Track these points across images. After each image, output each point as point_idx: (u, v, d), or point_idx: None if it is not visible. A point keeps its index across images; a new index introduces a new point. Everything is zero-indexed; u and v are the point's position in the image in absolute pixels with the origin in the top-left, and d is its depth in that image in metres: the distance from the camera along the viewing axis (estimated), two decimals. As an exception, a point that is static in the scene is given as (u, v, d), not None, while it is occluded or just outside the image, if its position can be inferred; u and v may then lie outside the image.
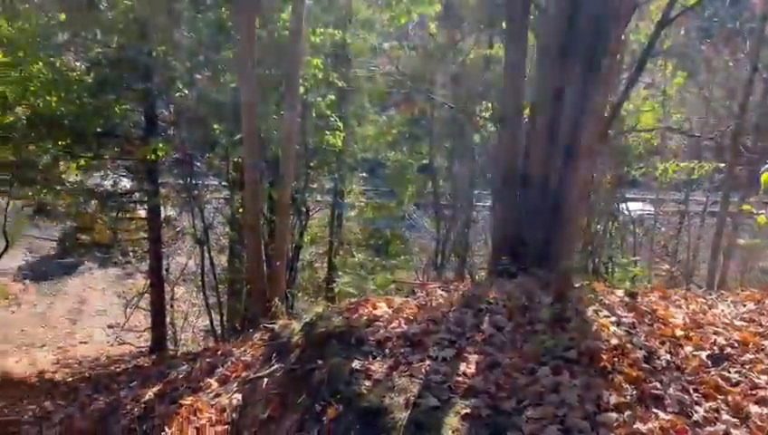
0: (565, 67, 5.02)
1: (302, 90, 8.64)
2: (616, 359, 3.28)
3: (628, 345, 3.40)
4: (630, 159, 12.64)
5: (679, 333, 3.69)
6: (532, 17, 5.56)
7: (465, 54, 10.62)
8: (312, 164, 10.37)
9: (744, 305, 4.31)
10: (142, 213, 12.25)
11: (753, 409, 2.96)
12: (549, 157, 5.21)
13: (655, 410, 2.89)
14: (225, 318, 10.97)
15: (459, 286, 4.62)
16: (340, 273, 10.40)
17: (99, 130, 10.81)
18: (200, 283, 11.48)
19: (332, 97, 9.54)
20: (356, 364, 3.41)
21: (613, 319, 3.81)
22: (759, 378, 3.27)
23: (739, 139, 9.74)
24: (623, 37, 3.87)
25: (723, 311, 4.19)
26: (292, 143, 6.43)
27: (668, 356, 3.40)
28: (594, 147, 3.65)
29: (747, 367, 3.36)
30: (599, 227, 12.23)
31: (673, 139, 14.10)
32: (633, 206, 16.05)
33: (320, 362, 3.62)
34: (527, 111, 5.51)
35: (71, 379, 10.17)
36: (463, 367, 3.29)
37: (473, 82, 10.47)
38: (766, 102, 10.59)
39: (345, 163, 11.18)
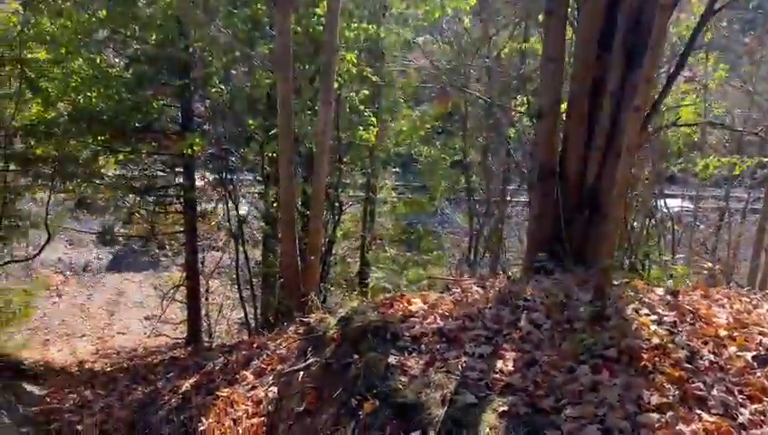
0: (604, 61, 4.94)
1: (336, 85, 8.67)
2: (657, 358, 3.21)
3: (670, 345, 3.32)
4: (669, 155, 12.37)
5: (723, 332, 3.60)
6: (570, 9, 5.47)
7: (500, 48, 10.51)
8: (345, 159, 10.40)
9: (790, 307, 4.17)
10: (178, 207, 12.47)
11: (802, 412, 2.87)
12: (587, 152, 5.13)
13: (698, 412, 2.82)
14: (258, 312, 11.10)
15: (495, 283, 4.59)
16: (372, 268, 10.41)
17: (137, 125, 11.05)
18: (234, 276, 11.64)
19: (366, 92, 9.54)
20: (392, 359, 3.41)
21: (654, 317, 3.73)
22: (807, 381, 3.17)
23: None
24: (666, 30, 3.76)
25: (767, 310, 4.06)
26: (327, 138, 6.45)
27: (712, 356, 3.31)
28: (635, 144, 3.58)
29: (795, 369, 3.27)
30: (636, 223, 11.99)
31: (713, 134, 13.75)
32: (672, 202, 15.70)
33: (355, 356, 3.63)
34: (565, 106, 5.43)
35: (109, 369, 10.43)
36: (500, 364, 3.26)
37: (507, 76, 10.35)
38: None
39: (378, 158, 11.17)
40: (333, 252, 10.72)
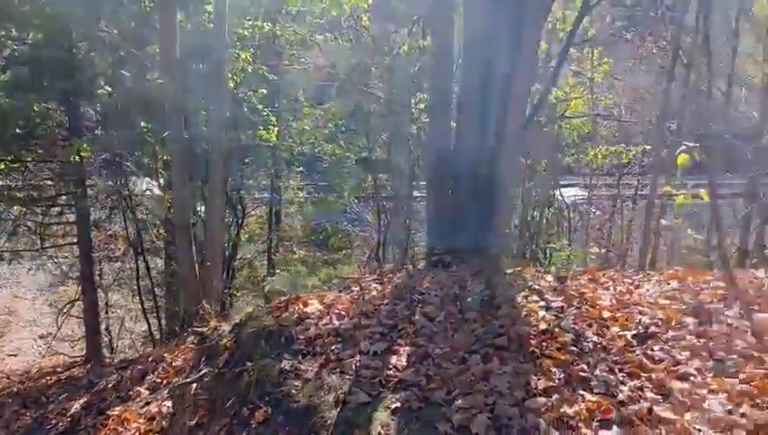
0: (491, 53, 5.04)
1: (231, 84, 8.42)
2: (545, 343, 3.31)
3: (557, 329, 3.43)
4: (564, 146, 12.96)
5: (606, 314, 3.76)
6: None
7: (400, 45, 10.59)
8: (246, 160, 10.13)
9: (669, 284, 4.42)
10: (71, 217, 11.71)
11: (676, 385, 3.03)
12: (479, 143, 5.23)
13: (582, 392, 2.92)
14: (163, 323, 10.63)
15: (393, 278, 4.58)
16: (278, 270, 10.23)
17: (18, 131, 10.26)
18: (135, 287, 11.08)
19: (264, 91, 9.33)
20: (285, 364, 3.32)
21: (542, 304, 3.84)
22: (681, 354, 3.36)
23: (663, 123, 10.09)
24: (546, 23, 3.88)
25: (648, 290, 4.29)
26: (222, 139, 6.24)
27: (595, 338, 3.45)
28: (520, 132, 3.66)
29: (670, 344, 3.45)
30: (535, 213, 12.48)
31: (603, 125, 14.54)
32: (568, 192, 16.47)
33: (249, 364, 3.50)
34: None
35: (-4, 395, 9.63)
36: (394, 360, 3.25)
37: (407, 73, 10.44)
38: (687, 88, 11.00)
39: (281, 158, 10.98)
40: (239, 256, 10.43)
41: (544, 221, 13.01)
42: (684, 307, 3.93)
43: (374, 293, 4.17)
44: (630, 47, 15.30)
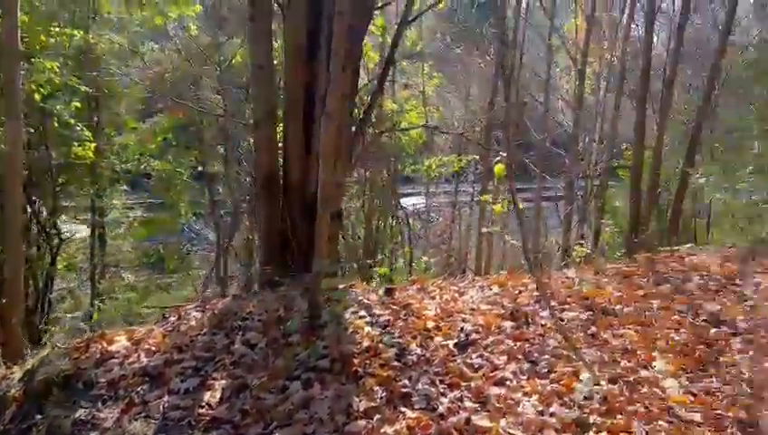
0: (313, 67, 4.95)
1: (37, 97, 7.55)
2: (368, 361, 3.23)
3: (381, 345, 3.37)
4: (403, 157, 13.29)
5: (431, 324, 3.78)
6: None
7: (231, 56, 10.20)
8: (60, 181, 9.14)
9: (491, 289, 4.59)
10: None
11: (493, 391, 3.09)
12: (305, 158, 5.10)
13: (403, 410, 2.86)
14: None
15: (216, 304, 4.28)
16: (103, 299, 9.33)
17: None
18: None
19: (77, 104, 8.48)
20: (81, 413, 2.92)
21: (369, 319, 3.78)
22: (499, 359, 3.45)
23: (490, 133, 10.72)
24: (343, 36, 3.83)
25: (472, 297, 4.41)
26: (18, 158, 5.51)
27: (419, 350, 3.43)
28: (331, 148, 3.57)
29: (489, 350, 3.54)
30: (379, 224, 12.66)
31: (440, 136, 15.18)
32: (410, 200, 17.01)
33: (38, 416, 3.03)
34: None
35: None
36: (207, 396, 2.98)
37: (240, 84, 10.09)
38: (509, 99, 11.83)
39: (103, 177, 10.06)
40: (56, 287, 9.36)
41: (390, 231, 13.24)
42: (503, 311, 4.08)
43: (193, 323, 3.85)
44: (461, 61, 16.21)
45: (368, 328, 3.62)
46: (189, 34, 9.94)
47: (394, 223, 13.36)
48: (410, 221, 13.07)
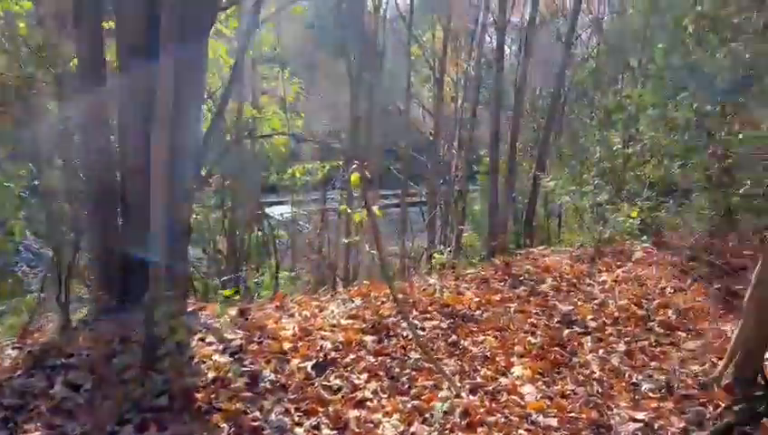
0: (150, 67, 4.49)
1: None
2: (214, 394, 2.90)
3: (230, 374, 3.06)
4: (268, 165, 12.86)
5: (287, 345, 3.53)
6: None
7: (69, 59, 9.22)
8: None
9: (353, 302, 4.42)
10: None
11: (352, 414, 2.90)
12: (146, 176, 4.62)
13: (252, 447, 2.59)
14: None
15: (38, 338, 3.72)
16: None
17: None
18: None
19: None
20: None
21: (218, 346, 3.45)
22: (359, 378, 3.27)
23: (354, 139, 10.64)
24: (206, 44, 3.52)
25: (333, 311, 4.21)
26: None
27: (273, 376, 3.17)
28: (162, 157, 3.21)
29: (349, 368, 3.35)
30: (244, 236, 12.12)
31: (308, 144, 14.91)
32: (279, 209, 16.58)
33: None
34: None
35: None
36: (15, 455, 2.51)
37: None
38: (372, 109, 11.89)
39: None
40: None
41: (257, 242, 12.72)
42: (365, 325, 3.92)
43: (6, 363, 3.29)
44: (324, 67, 16.10)
45: (216, 356, 3.29)
46: (19, 34, 8.84)
47: (260, 234, 12.89)
48: (276, 231, 12.66)
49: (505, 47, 12.55)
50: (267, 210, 15.81)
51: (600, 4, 14.75)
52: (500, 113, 10.07)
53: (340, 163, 10.92)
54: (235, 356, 3.32)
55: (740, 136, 6.34)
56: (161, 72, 3.06)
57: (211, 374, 3.03)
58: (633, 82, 9.70)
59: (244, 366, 3.19)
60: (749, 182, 6.19)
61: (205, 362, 3.19)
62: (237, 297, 5.53)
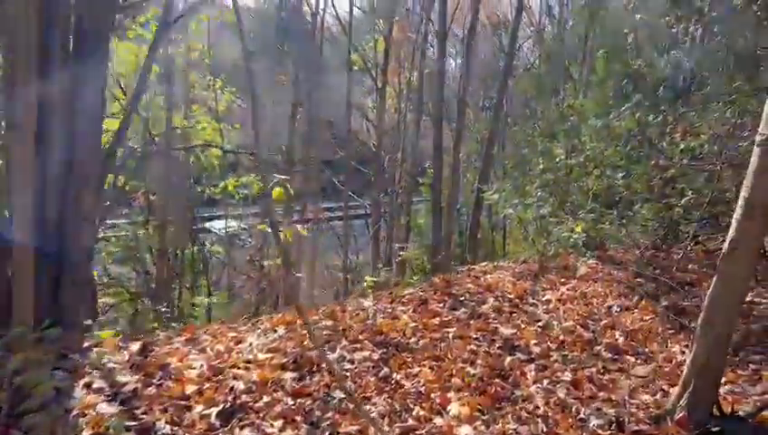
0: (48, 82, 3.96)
1: None
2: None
3: (111, 431, 2.57)
4: (203, 178, 12.27)
5: (192, 388, 3.05)
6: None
7: None
8: None
9: (275, 332, 3.97)
10: None
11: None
12: (41, 186, 4.07)
13: None
14: None
15: None
16: None
17: None
18: None
19: None
20: None
21: (108, 391, 2.94)
22: (273, 426, 2.82)
23: (291, 152, 10.20)
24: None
25: (251, 344, 3.75)
26: None
27: (168, 428, 2.69)
28: (25, 167, 2.73)
29: (262, 415, 2.90)
30: (177, 254, 11.47)
31: (246, 156, 14.32)
32: (219, 224, 15.87)
33: None
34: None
35: None
36: None
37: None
38: (309, 121, 11.48)
39: None
40: None
41: (191, 259, 12.05)
42: (285, 360, 3.48)
43: None
44: (263, 77, 15.56)
45: (103, 405, 2.79)
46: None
47: (195, 250, 12.24)
48: (213, 247, 12.05)
49: (449, 59, 12.39)
50: (208, 224, 15.12)
51: (541, 15, 14.80)
52: (442, 124, 9.83)
53: (280, 176, 10.43)
54: (126, 405, 2.82)
55: (681, 146, 6.23)
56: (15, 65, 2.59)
57: (89, 432, 2.53)
58: (575, 92, 9.62)
59: (134, 418, 2.70)
60: (690, 193, 6.07)
61: (86, 415, 2.69)
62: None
